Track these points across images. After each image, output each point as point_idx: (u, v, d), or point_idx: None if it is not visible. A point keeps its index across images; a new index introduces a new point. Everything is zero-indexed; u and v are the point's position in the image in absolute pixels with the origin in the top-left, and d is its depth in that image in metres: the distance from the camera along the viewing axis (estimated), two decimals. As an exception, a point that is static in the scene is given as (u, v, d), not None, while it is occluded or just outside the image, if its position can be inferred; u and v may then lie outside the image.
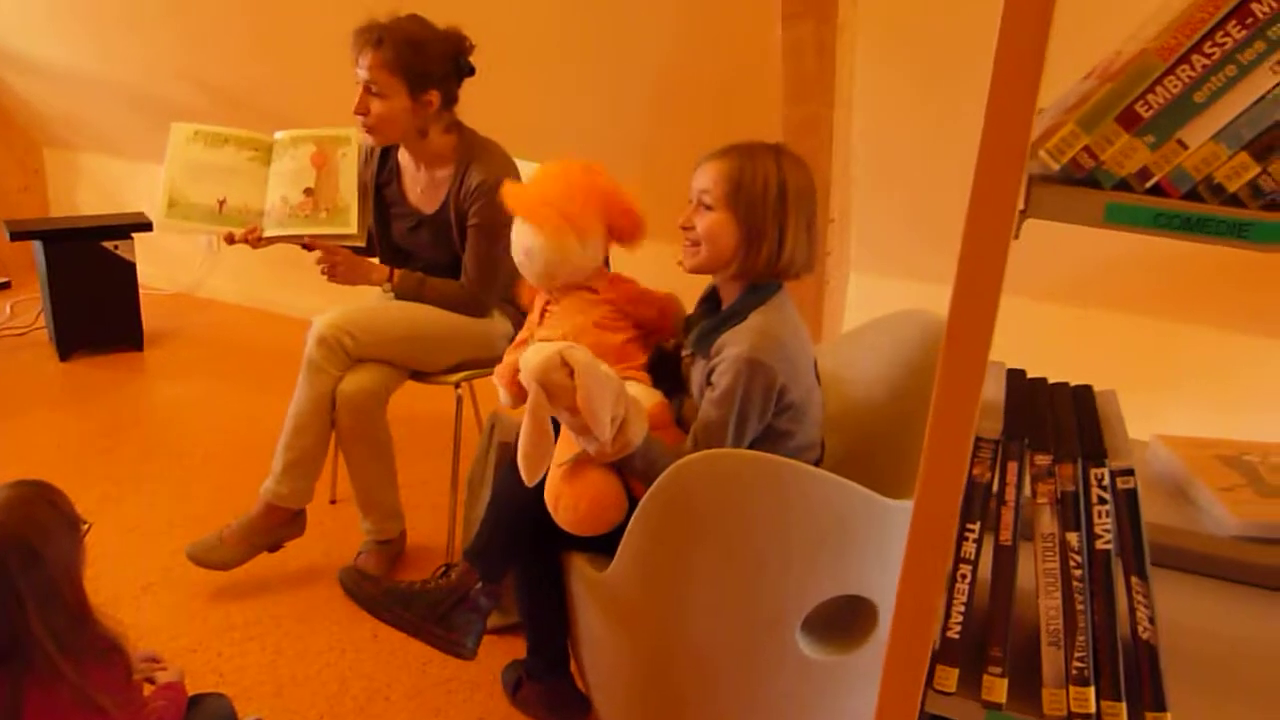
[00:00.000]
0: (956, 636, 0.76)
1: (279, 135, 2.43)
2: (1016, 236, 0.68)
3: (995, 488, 0.73)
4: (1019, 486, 0.72)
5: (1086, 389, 0.83)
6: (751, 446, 1.70)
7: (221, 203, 2.39)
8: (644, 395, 1.77)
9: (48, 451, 3.00)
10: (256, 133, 2.44)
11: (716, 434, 1.64)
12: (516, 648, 2.11)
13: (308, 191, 2.37)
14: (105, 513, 2.67)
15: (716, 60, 2.83)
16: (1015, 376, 0.82)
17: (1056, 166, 0.66)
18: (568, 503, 1.69)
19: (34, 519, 1.48)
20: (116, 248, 3.58)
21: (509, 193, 1.86)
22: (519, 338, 1.91)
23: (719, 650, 1.71)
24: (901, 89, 2.79)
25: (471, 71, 2.35)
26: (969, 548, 0.74)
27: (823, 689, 1.80)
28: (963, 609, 0.75)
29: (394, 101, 2.26)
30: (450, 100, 2.33)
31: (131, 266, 3.62)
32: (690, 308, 1.89)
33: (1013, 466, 0.72)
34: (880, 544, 1.68)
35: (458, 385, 2.44)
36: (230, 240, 2.36)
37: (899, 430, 1.93)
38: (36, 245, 3.49)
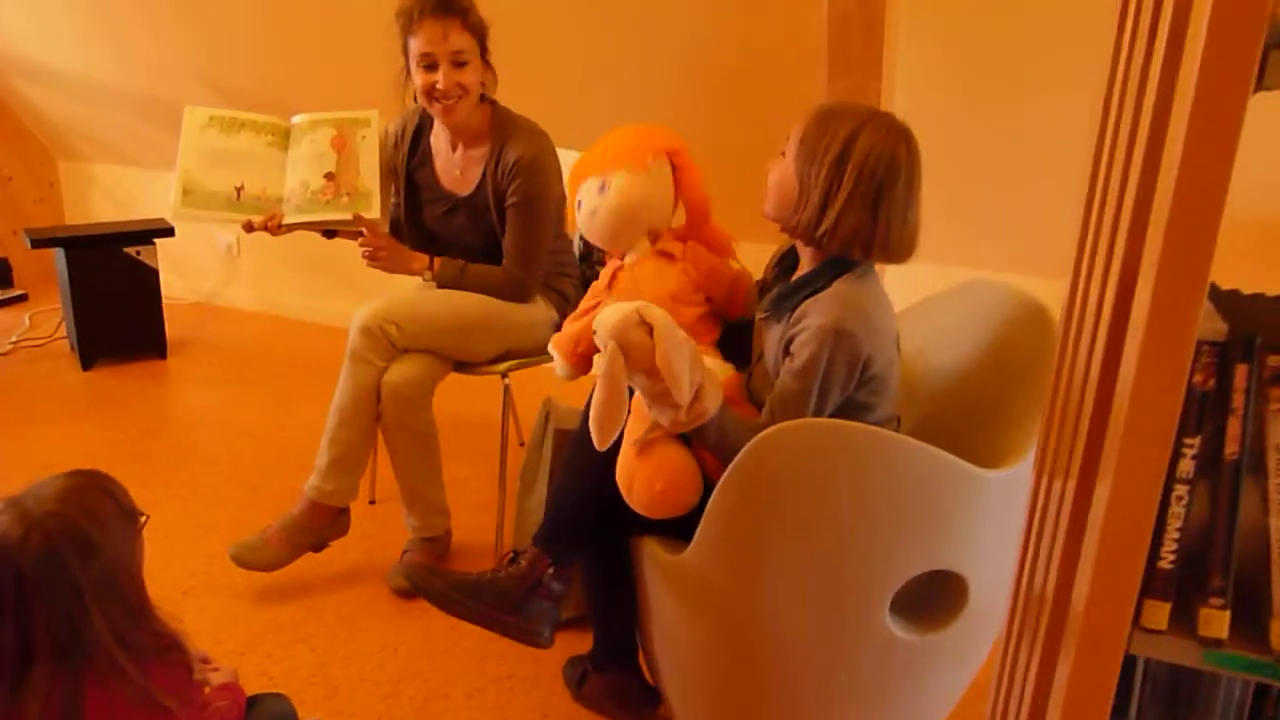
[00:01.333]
0: (1170, 566, 0.69)
1: (297, 119, 2.35)
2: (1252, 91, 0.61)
3: (1219, 395, 0.66)
4: (1250, 391, 0.65)
5: (1286, 297, 0.76)
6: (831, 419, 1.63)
7: (239, 190, 2.31)
8: (717, 369, 1.70)
9: (75, 460, 2.91)
10: (274, 117, 2.37)
11: (796, 406, 1.56)
12: (575, 643, 2.03)
13: (329, 176, 2.30)
14: (139, 519, 2.60)
15: (758, 34, 2.78)
16: (1216, 289, 0.75)
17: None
18: (642, 483, 1.61)
19: (91, 509, 1.40)
20: (139, 253, 3.51)
21: (573, 169, 1.81)
22: (582, 306, 1.84)
23: (802, 632, 1.64)
24: (943, 69, 2.74)
25: None
26: (1186, 465, 0.67)
27: (906, 671, 1.72)
28: (1177, 535, 0.68)
29: (475, 69, 2.22)
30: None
31: (154, 273, 3.56)
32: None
33: (1241, 370, 0.65)
34: (969, 516, 1.61)
35: (504, 375, 2.37)
36: (249, 228, 2.28)
37: (976, 402, 1.86)
38: (58, 253, 3.42)
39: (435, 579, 1.68)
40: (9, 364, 3.60)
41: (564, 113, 2.95)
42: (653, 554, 1.70)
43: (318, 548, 2.32)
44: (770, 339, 1.69)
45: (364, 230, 2.26)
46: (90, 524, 1.39)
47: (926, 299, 2.07)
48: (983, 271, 2.44)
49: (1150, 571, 0.70)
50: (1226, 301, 0.73)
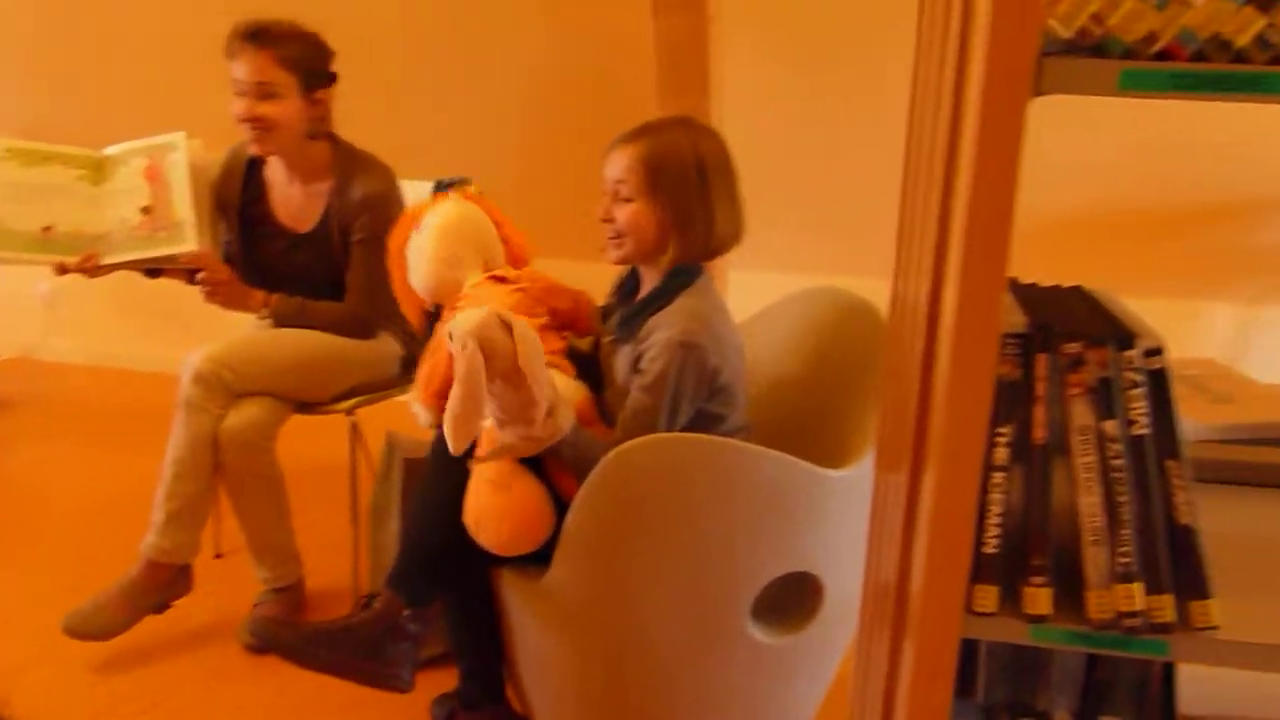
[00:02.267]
0: (995, 551, 0.72)
1: (110, 150, 2.21)
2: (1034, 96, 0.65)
3: (1023, 384, 0.70)
4: (1051, 378, 0.69)
5: (1080, 288, 0.81)
6: (684, 431, 1.65)
7: (47, 229, 2.16)
8: (569, 388, 1.70)
9: (-119, 539, 2.69)
10: (83, 149, 2.21)
11: (648, 420, 1.58)
12: (442, 680, 1.99)
13: (145, 210, 2.17)
14: (-38, 595, 2.41)
15: (588, 57, 2.80)
16: (1010, 282, 0.80)
17: (1067, 35, 0.64)
18: (491, 524, 1.59)
19: None
20: (-60, 311, 3.26)
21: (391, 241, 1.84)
22: (430, 345, 1.81)
23: (671, 645, 1.65)
24: (773, 82, 2.82)
25: (334, 79, 2.24)
26: (1001, 453, 0.70)
27: (775, 674, 1.76)
28: (999, 521, 0.72)
29: (288, 102, 2.13)
30: (329, 106, 2.22)
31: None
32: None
33: (1042, 359, 0.69)
34: (820, 517, 1.65)
35: (350, 412, 2.30)
36: (62, 270, 2.13)
37: (820, 405, 1.91)
38: None
39: (285, 631, 1.61)
40: None
41: (405, 143, 2.91)
42: (513, 583, 1.69)
43: (160, 609, 2.19)
44: (620, 361, 1.70)
45: (202, 264, 2.16)
46: None
47: (764, 310, 2.12)
48: (822, 275, 2.51)
49: (977, 557, 0.73)
50: (1026, 295, 0.77)
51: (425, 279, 1.80)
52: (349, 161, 2.24)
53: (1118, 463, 0.70)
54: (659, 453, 1.53)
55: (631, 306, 1.70)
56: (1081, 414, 0.70)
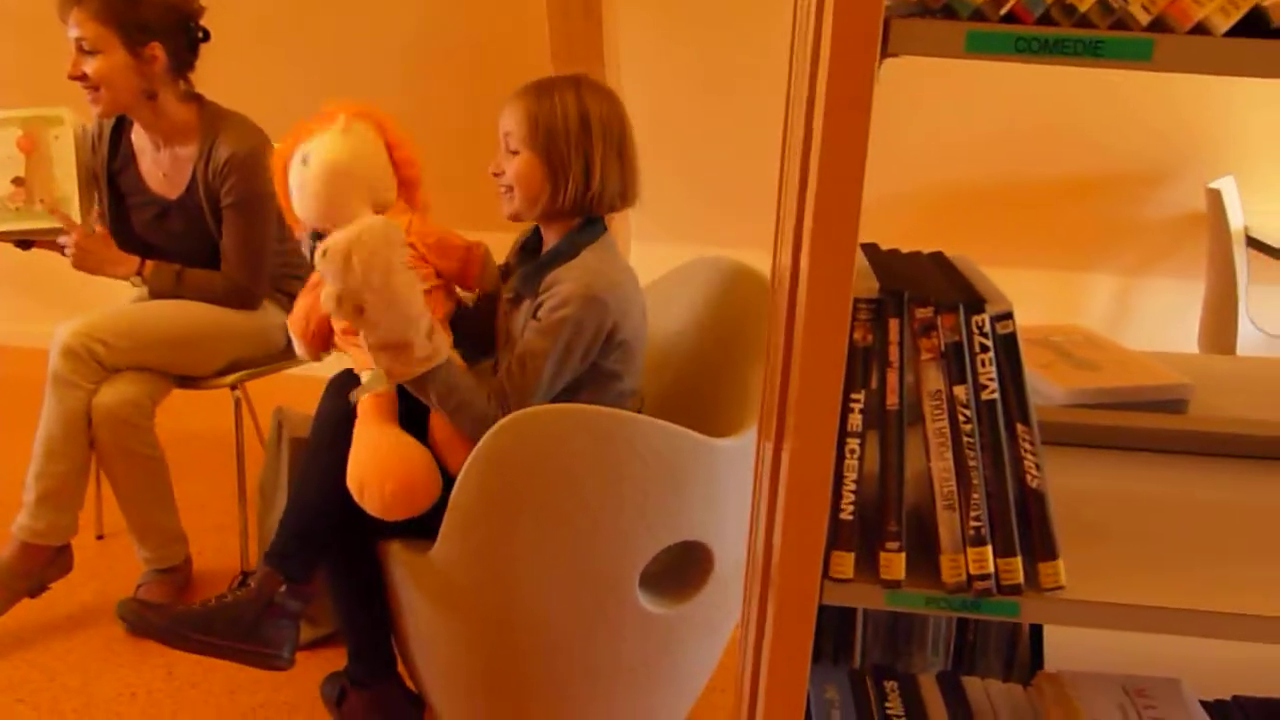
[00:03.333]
0: (850, 518, 0.72)
1: None
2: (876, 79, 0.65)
3: (878, 349, 0.69)
4: (902, 345, 0.69)
5: (940, 253, 0.81)
6: (579, 388, 1.64)
7: None
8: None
9: None
10: None
11: (535, 364, 1.56)
12: (333, 659, 1.95)
13: (17, 181, 2.10)
14: None
15: (482, 21, 2.74)
16: (871, 248, 0.79)
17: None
18: (374, 486, 1.56)
19: None
20: None
21: (273, 157, 1.72)
22: (310, 282, 1.75)
23: (559, 618, 1.64)
24: (670, 54, 2.80)
25: (205, 37, 2.14)
26: (855, 420, 0.70)
27: (665, 645, 1.76)
28: (854, 487, 0.72)
29: (110, 58, 2.03)
30: (182, 64, 2.12)
31: None
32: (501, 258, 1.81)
33: (894, 324, 0.69)
34: (709, 486, 1.65)
35: (234, 387, 2.23)
36: None
37: (710, 372, 1.92)
38: None
39: (153, 614, 1.56)
40: None
41: (284, 107, 2.80)
42: (399, 557, 1.65)
43: (35, 592, 2.11)
44: (518, 319, 1.68)
45: (68, 230, 2.07)
46: None
47: (661, 277, 2.11)
48: (720, 247, 2.52)
49: (835, 524, 0.73)
50: (884, 260, 0.77)
51: (308, 215, 1.72)
52: (215, 122, 2.15)
53: (968, 427, 0.70)
54: (539, 423, 1.51)
55: (534, 263, 1.68)
56: (933, 379, 0.70)
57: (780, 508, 0.74)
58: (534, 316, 1.59)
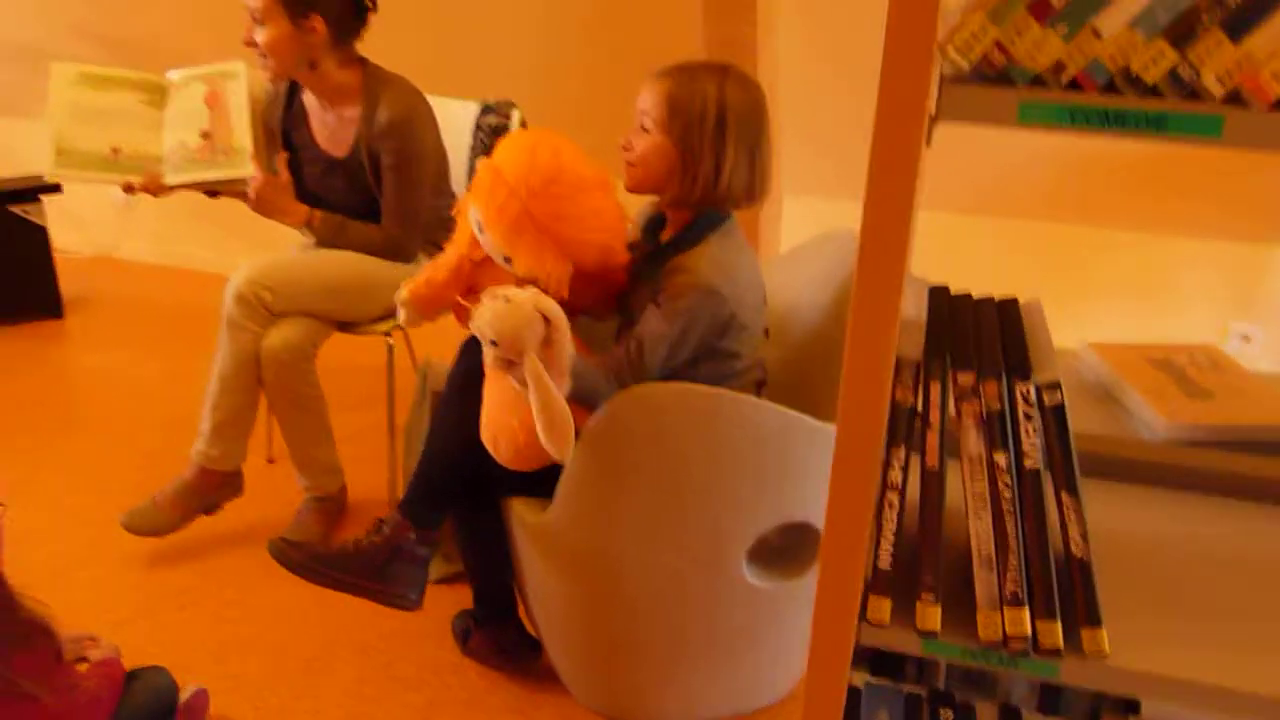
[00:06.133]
0: (888, 566, 0.73)
1: (172, 75, 2.31)
2: (928, 143, 0.64)
3: (919, 410, 0.70)
4: (943, 407, 0.69)
5: (1011, 302, 0.80)
6: (698, 365, 1.67)
7: (116, 150, 2.27)
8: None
9: (-34, 429, 2.89)
10: (148, 74, 2.31)
11: (653, 348, 1.60)
12: (465, 596, 2.08)
13: (204, 134, 2.27)
14: (30, 490, 2.58)
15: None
16: (938, 294, 0.78)
17: (967, 65, 0.62)
18: (508, 437, 1.64)
19: None
20: (25, 212, 3.41)
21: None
22: (446, 260, 1.80)
23: (667, 585, 1.70)
24: (828, 5, 2.72)
25: (372, 6, 2.23)
26: (895, 474, 0.71)
27: (771, 617, 1.80)
28: (892, 537, 0.73)
29: (276, 28, 2.15)
30: (346, 33, 2.22)
31: (43, 231, 3.47)
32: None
33: (936, 387, 0.69)
34: (821, 468, 1.66)
35: (387, 334, 2.37)
36: (129, 189, 2.26)
37: (834, 350, 1.91)
38: (-61, 215, 3.32)
39: (295, 552, 1.71)
40: (-102, 329, 3.52)
41: (434, 60, 2.90)
42: (520, 515, 1.75)
43: (209, 511, 2.33)
44: (640, 295, 1.72)
45: (249, 178, 2.25)
46: None
47: (793, 249, 2.10)
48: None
49: (873, 570, 0.74)
50: (946, 310, 0.76)
51: (489, 246, 1.68)
52: (377, 86, 2.26)
53: (1007, 493, 0.70)
54: (652, 402, 1.56)
55: (658, 247, 1.71)
56: (973, 443, 0.69)
57: (821, 550, 0.76)
58: (654, 301, 1.62)
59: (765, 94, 1.65)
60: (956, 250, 2.75)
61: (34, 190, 3.42)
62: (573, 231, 1.60)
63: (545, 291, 1.55)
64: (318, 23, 2.15)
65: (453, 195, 2.49)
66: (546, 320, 1.50)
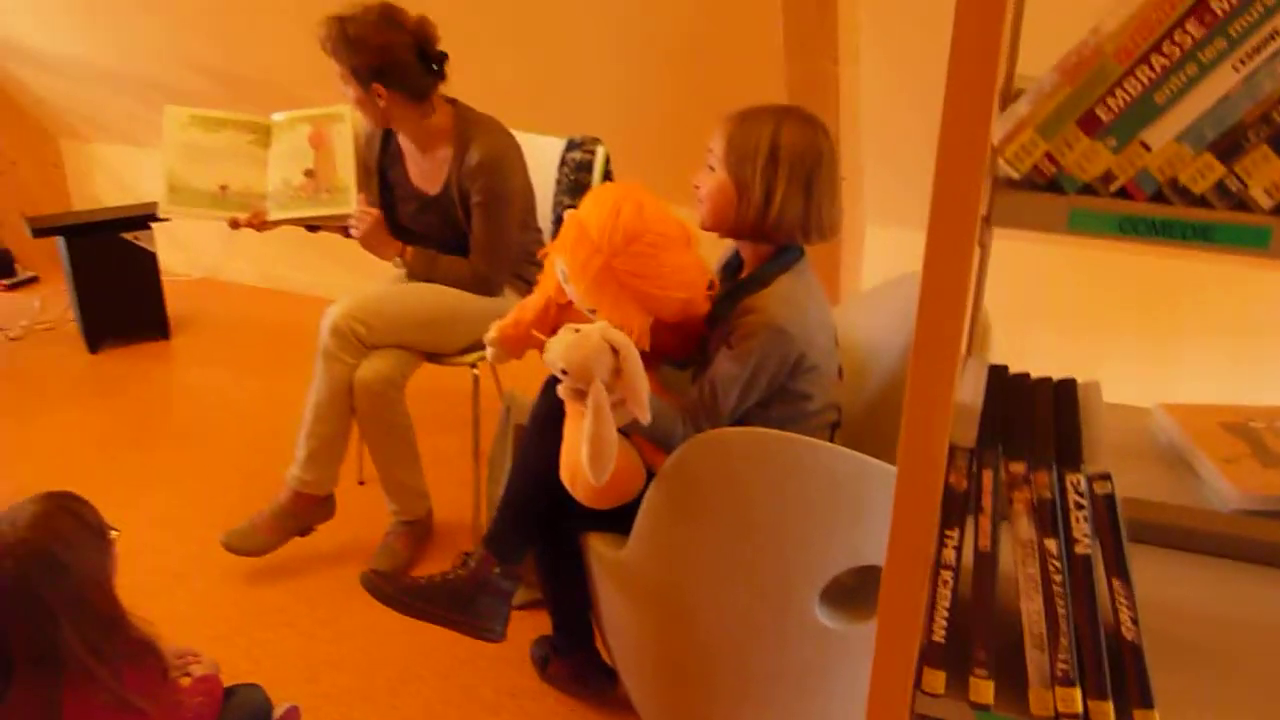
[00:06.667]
0: (942, 640, 0.76)
1: (277, 117, 2.44)
2: (980, 245, 0.67)
3: (972, 494, 0.72)
4: (995, 493, 0.72)
5: (1069, 384, 0.82)
6: (769, 405, 1.71)
7: (224, 188, 2.42)
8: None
9: (80, 444, 3.06)
10: (254, 115, 2.45)
11: (725, 390, 1.66)
12: (544, 622, 2.14)
13: (308, 173, 2.40)
14: (137, 504, 2.73)
15: (715, 15, 2.78)
16: (996, 374, 0.81)
17: (1017, 176, 0.65)
18: (584, 477, 1.70)
19: (58, 531, 1.52)
20: (136, 238, 3.61)
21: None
22: (533, 302, 1.87)
23: (739, 624, 1.73)
24: (909, 37, 2.73)
25: (438, 67, 2.32)
26: (949, 553, 0.74)
27: (842, 657, 1.82)
28: (946, 612, 0.75)
29: (354, 91, 2.29)
30: (417, 95, 2.31)
31: (152, 256, 3.66)
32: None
33: (988, 474, 0.71)
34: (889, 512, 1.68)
35: (473, 365, 2.45)
36: (235, 225, 2.41)
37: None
38: (59, 240, 3.52)
39: (385, 584, 1.79)
40: (21, 348, 3.74)
41: (524, 97, 2.98)
42: (597, 551, 1.80)
43: (304, 532, 2.45)
44: (714, 337, 1.77)
45: (349, 214, 2.38)
46: (59, 547, 1.51)
47: (874, 288, 2.12)
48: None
49: (928, 643, 0.77)
50: (1003, 392, 0.79)
51: (575, 297, 1.74)
52: (467, 128, 2.35)
53: (1058, 577, 0.72)
54: (729, 446, 1.59)
55: (733, 285, 1.76)
56: (1024, 528, 0.72)
57: (878, 621, 0.79)
58: (727, 343, 1.66)
59: (830, 134, 1.69)
60: (1038, 281, 2.72)
61: (144, 219, 3.61)
62: (654, 287, 1.66)
63: None
64: (381, 90, 2.26)
65: (539, 230, 2.57)
66: (615, 351, 1.56)
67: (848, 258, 2.90)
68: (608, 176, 2.60)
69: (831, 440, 1.81)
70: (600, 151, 2.58)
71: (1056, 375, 0.85)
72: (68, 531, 1.53)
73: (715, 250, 1.88)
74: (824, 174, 1.66)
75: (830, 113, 2.56)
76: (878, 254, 3.02)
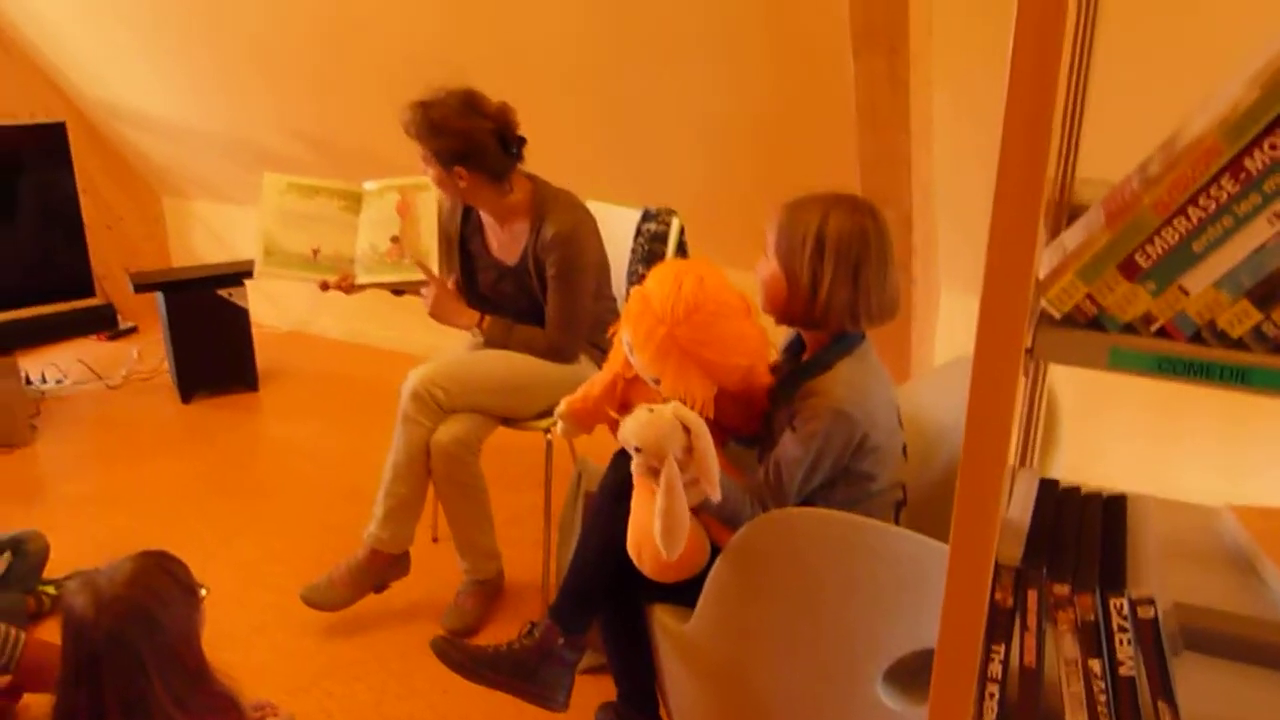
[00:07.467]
0: (988, 752, 0.78)
1: (368, 185, 2.57)
2: (1027, 375, 0.70)
3: (1017, 613, 0.75)
4: (1040, 613, 0.74)
5: (1118, 500, 0.84)
6: (834, 487, 1.73)
7: (315, 251, 2.55)
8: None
9: (170, 492, 3.20)
10: (346, 183, 2.59)
11: (790, 472, 1.69)
12: (608, 687, 2.17)
13: (394, 239, 2.52)
14: (222, 553, 2.84)
15: (787, 91, 2.84)
16: (1046, 488, 0.83)
17: (1058, 315, 0.68)
18: (651, 551, 1.74)
19: (154, 589, 1.61)
20: (230, 295, 3.78)
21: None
22: (602, 378, 1.93)
23: (802, 702, 1.74)
24: (984, 108, 2.76)
25: (519, 144, 2.42)
26: (995, 668, 0.76)
27: (907, 737, 1.81)
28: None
29: (435, 171, 2.39)
30: (496, 175, 2.40)
31: (244, 312, 3.83)
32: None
33: (1032, 594, 0.74)
34: (958, 595, 1.68)
35: (547, 431, 2.51)
36: (325, 287, 2.53)
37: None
38: (158, 295, 3.71)
39: (455, 651, 1.84)
40: (119, 396, 3.93)
41: (602, 168, 3.07)
42: (662, 623, 1.83)
43: (379, 589, 2.52)
44: (779, 418, 1.80)
45: (429, 281, 2.48)
46: (153, 603, 1.60)
47: (943, 365, 2.14)
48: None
49: (976, 753, 0.79)
50: (1051, 506, 0.81)
51: (640, 367, 1.78)
52: (544, 203, 2.44)
53: (1102, 697, 0.74)
54: (794, 526, 1.62)
55: (795, 368, 1.79)
56: (1069, 648, 0.74)
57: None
58: (790, 425, 1.70)
59: (880, 217, 1.70)
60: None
61: (238, 276, 3.78)
62: (716, 355, 1.70)
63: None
64: (462, 173, 2.36)
65: (613, 299, 2.64)
66: (687, 430, 1.61)
67: (921, 328, 2.90)
68: (682, 247, 2.66)
69: (897, 518, 1.82)
70: (675, 222, 2.65)
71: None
72: (162, 589, 1.62)
73: (781, 328, 1.92)
74: (872, 262, 1.67)
75: (902, 185, 2.60)
76: (955, 320, 3.02)
